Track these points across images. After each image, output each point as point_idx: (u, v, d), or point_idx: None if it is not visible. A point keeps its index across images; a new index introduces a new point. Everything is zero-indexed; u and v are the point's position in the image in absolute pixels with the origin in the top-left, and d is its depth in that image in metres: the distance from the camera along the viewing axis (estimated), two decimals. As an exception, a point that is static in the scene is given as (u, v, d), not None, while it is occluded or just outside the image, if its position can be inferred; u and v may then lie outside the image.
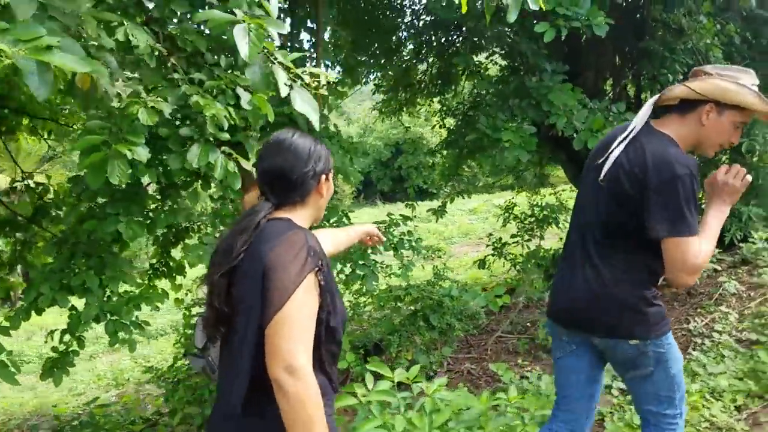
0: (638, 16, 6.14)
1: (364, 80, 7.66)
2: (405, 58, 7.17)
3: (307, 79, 2.17)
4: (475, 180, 11.21)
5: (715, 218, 1.89)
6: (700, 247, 1.80)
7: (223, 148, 2.41)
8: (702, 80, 1.90)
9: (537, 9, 2.44)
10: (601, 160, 1.97)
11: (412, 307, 4.16)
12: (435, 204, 7.37)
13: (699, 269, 1.82)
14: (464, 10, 2.16)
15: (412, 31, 6.86)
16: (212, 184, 3.19)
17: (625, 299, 1.93)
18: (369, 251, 4.28)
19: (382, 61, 7.10)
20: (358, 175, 4.97)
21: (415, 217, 5.34)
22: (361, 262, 4.17)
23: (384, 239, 2.34)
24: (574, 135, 4.19)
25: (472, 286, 6.27)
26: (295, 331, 1.26)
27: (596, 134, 4.16)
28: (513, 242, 6.77)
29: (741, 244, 6.26)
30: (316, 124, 2.17)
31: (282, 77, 2.06)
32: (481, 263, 6.95)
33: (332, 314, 1.38)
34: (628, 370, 2.04)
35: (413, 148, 7.15)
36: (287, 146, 1.47)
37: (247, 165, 2.47)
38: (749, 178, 1.88)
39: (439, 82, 6.80)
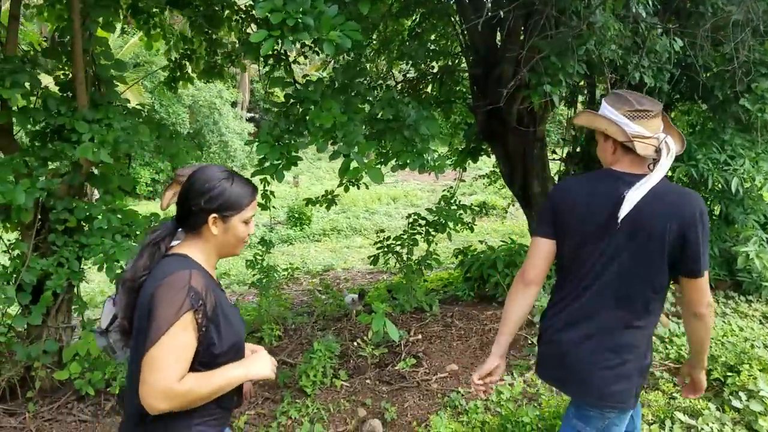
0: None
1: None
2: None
3: None
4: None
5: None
6: None
7: None
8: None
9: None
10: (604, 206, 1.89)
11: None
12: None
13: None
14: None
15: None
16: None
17: (640, 367, 1.95)
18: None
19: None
20: (186, 156, 4.61)
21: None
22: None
23: None
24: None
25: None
26: (165, 363, 1.42)
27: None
28: (397, 243, 6.17)
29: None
30: None
31: None
32: (374, 259, 6.46)
33: (215, 344, 1.53)
34: (576, 420, 2.02)
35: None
36: (193, 175, 1.60)
37: None
38: None
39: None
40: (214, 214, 1.57)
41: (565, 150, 6.12)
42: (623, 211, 1.82)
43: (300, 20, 3.06)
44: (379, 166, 3.76)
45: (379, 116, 4.11)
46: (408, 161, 3.92)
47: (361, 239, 17.44)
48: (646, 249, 1.84)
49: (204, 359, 1.52)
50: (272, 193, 5.22)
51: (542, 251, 2.03)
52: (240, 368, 1.59)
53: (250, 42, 3.13)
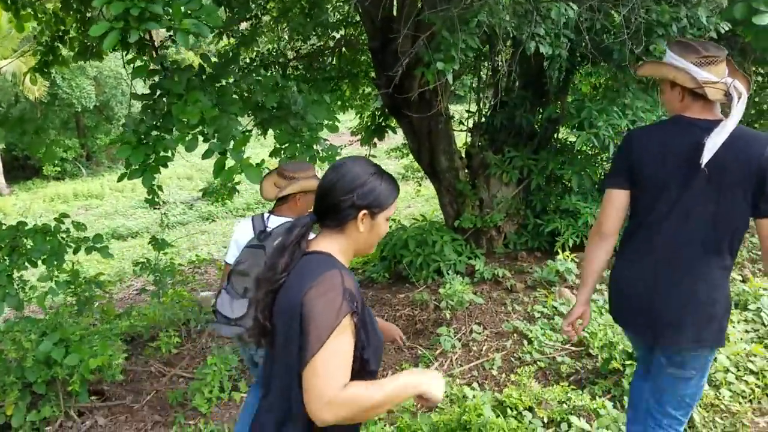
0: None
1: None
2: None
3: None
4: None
5: None
6: None
7: None
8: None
9: None
10: (683, 153, 1.93)
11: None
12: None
13: None
14: None
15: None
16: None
17: (727, 306, 1.99)
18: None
19: None
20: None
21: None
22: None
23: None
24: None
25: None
26: (330, 371, 1.36)
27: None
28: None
29: (549, 261, 5.28)
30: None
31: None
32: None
33: (366, 348, 1.48)
34: (672, 368, 2.07)
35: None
36: (340, 169, 1.55)
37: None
38: None
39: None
40: (364, 210, 1.53)
41: (470, 121, 5.97)
42: (705, 158, 1.85)
43: (146, 8, 2.68)
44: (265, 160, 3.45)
45: (262, 104, 3.78)
46: (296, 153, 3.63)
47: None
48: (728, 193, 1.89)
49: (355, 366, 1.45)
50: (160, 187, 4.79)
51: (616, 202, 2.09)
52: (416, 377, 1.48)
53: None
